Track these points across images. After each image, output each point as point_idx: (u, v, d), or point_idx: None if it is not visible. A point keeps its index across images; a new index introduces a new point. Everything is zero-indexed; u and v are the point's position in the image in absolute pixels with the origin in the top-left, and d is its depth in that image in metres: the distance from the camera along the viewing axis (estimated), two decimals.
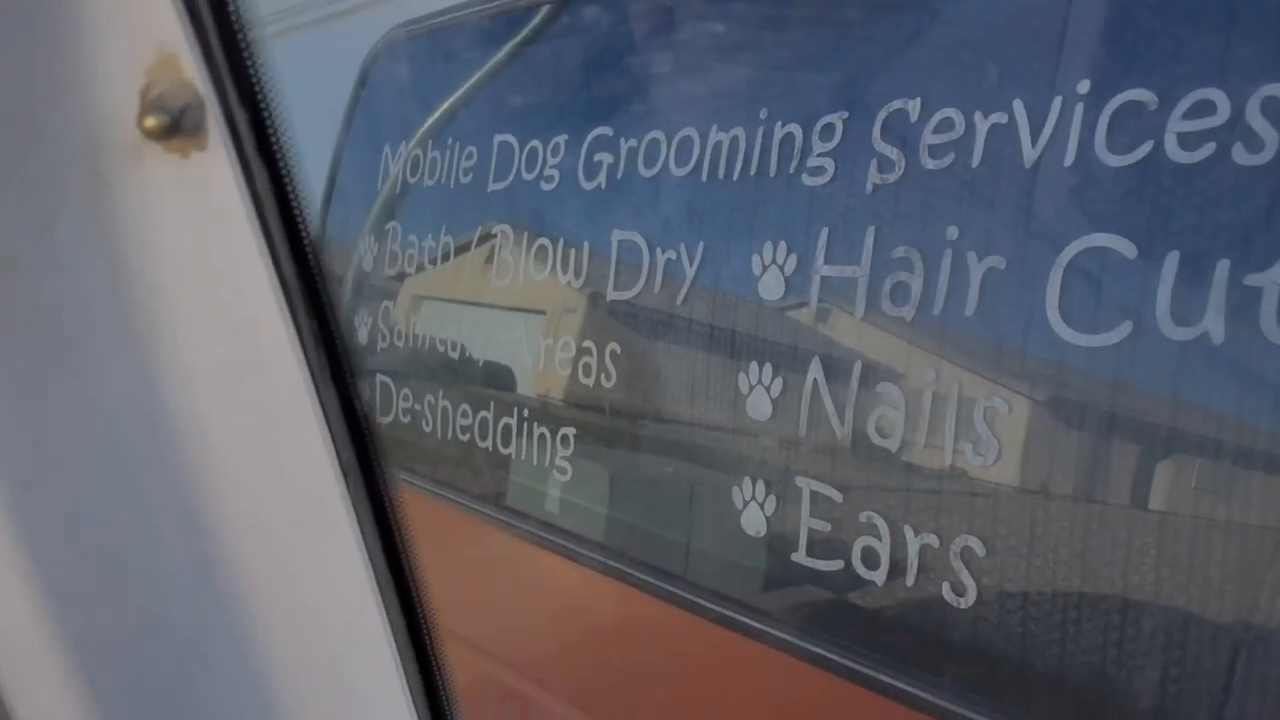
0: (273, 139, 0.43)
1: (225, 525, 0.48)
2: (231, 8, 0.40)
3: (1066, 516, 1.17)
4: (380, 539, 0.53)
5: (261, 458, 0.48)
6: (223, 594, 0.49)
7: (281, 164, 0.43)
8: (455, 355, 2.14)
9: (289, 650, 0.53)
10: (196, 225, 0.43)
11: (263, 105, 0.42)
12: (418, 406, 2.22)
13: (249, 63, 0.40)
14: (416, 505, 2.11)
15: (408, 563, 0.54)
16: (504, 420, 1.97)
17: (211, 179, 0.41)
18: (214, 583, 0.48)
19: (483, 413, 2.03)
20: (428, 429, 2.17)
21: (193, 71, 0.40)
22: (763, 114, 1.51)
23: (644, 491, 1.76)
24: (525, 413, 1.93)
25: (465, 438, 2.07)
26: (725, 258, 1.57)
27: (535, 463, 1.90)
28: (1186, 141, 1.06)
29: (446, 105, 2.21)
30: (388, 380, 2.33)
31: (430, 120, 2.25)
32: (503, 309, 2.05)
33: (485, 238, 2.06)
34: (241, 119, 0.42)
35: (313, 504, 0.50)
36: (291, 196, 0.44)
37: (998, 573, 1.22)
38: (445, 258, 2.18)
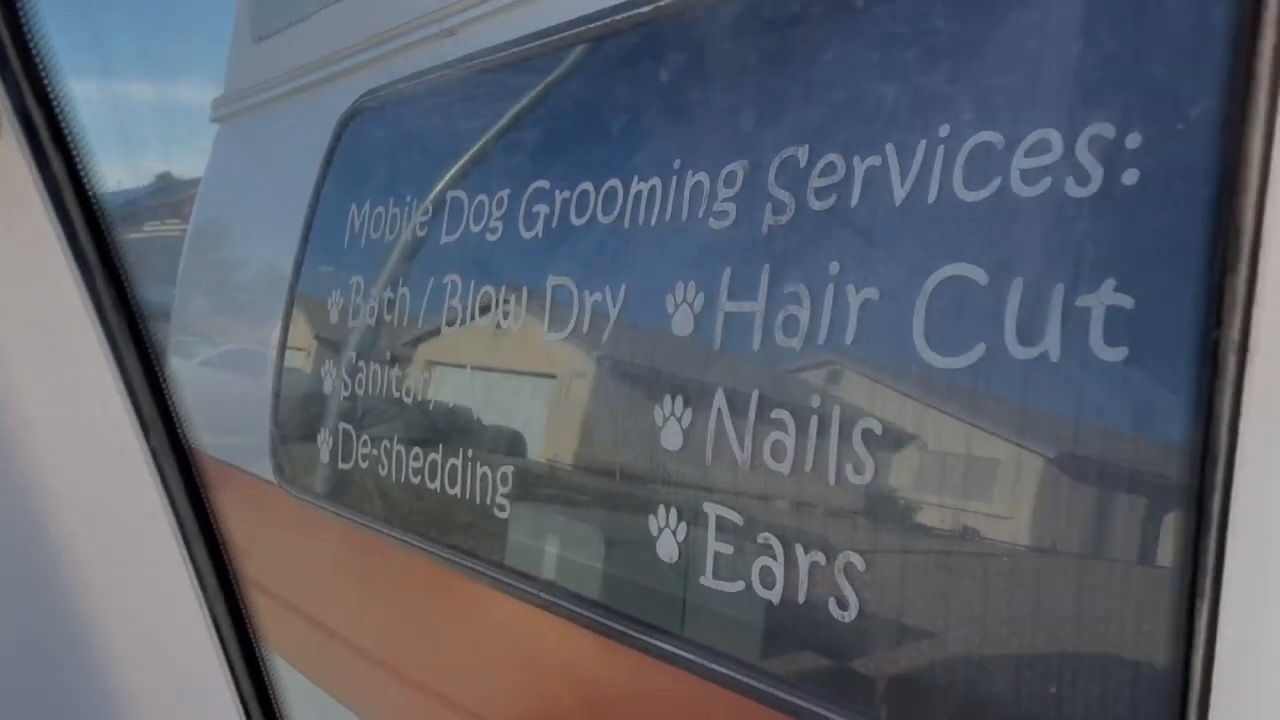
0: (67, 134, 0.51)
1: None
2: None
3: (936, 529, 1.23)
4: (231, 622, 0.56)
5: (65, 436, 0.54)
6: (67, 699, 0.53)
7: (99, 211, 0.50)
8: (408, 399, 2.23)
9: None
10: None
11: (53, 98, 0.50)
12: (374, 452, 2.30)
13: (36, 55, 0.48)
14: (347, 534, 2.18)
15: (261, 656, 0.58)
16: (450, 461, 2.05)
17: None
18: (54, 689, 0.51)
19: (433, 455, 2.11)
20: (383, 472, 2.25)
21: None
22: (676, 164, 1.62)
23: (573, 524, 1.83)
24: (469, 453, 2.01)
25: (416, 480, 2.15)
26: (644, 298, 1.66)
27: (474, 500, 1.97)
28: (1028, 177, 1.15)
29: (407, 165, 2.33)
30: (349, 428, 2.42)
31: (391, 179, 2.37)
32: (454, 354, 2.14)
33: (438, 289, 2.16)
34: (36, 112, 0.50)
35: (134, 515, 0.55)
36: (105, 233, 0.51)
37: (877, 586, 1.28)
38: (401, 308, 2.28)
